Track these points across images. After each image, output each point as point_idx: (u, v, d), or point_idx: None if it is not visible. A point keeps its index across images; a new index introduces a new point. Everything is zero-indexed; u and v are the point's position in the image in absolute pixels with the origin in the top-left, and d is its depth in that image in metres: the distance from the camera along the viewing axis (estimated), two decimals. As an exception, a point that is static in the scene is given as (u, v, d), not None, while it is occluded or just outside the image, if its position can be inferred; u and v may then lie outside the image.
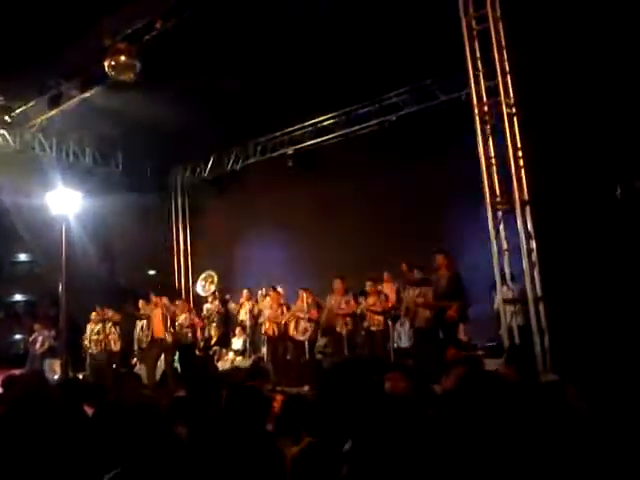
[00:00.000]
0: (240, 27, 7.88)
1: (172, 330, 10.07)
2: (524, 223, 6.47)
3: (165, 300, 10.53)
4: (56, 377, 10.10)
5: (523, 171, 6.55)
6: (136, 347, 10.67)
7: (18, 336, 12.63)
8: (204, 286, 12.85)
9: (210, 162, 13.80)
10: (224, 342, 11.66)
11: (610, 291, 5.57)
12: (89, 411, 3.19)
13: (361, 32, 8.22)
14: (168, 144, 12.41)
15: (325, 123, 11.73)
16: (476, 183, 6.84)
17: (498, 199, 6.69)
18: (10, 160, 11.24)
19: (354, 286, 9.46)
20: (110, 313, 11.19)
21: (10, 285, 12.75)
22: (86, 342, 11.03)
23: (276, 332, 9.73)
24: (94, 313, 11.12)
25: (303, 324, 9.48)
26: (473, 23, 6.91)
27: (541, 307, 6.27)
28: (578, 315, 5.71)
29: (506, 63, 6.69)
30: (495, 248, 6.65)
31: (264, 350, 10.14)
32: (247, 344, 11.19)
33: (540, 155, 6.34)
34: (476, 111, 6.84)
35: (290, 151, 12.28)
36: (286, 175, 12.25)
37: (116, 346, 11.06)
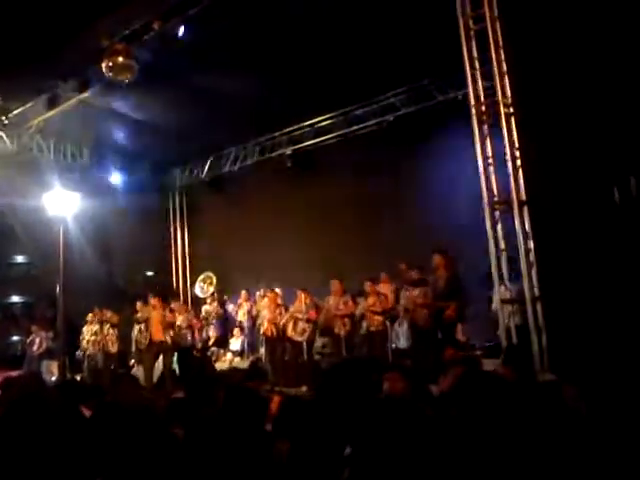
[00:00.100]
0: (239, 27, 7.87)
1: (171, 332, 10.04)
2: (522, 223, 6.46)
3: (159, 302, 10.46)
4: (53, 378, 10.09)
5: (521, 171, 6.54)
6: (134, 349, 10.65)
7: (15, 338, 12.57)
8: (202, 287, 12.88)
9: (208, 162, 13.78)
10: (222, 343, 11.67)
11: (608, 291, 5.56)
12: (87, 413, 3.18)
13: (359, 33, 8.24)
14: (166, 144, 12.41)
15: (323, 123, 11.74)
16: (474, 183, 6.84)
17: (496, 199, 6.69)
18: (8, 161, 11.19)
19: (352, 287, 9.47)
20: (109, 314, 11.16)
21: (7, 286, 12.69)
22: (84, 343, 11.01)
23: (274, 333, 9.72)
24: (90, 314, 11.09)
25: (301, 325, 9.49)
26: (470, 23, 6.90)
27: (539, 307, 6.26)
28: (576, 315, 5.70)
29: (503, 63, 6.67)
30: (493, 248, 6.65)
31: (262, 351, 10.13)
32: (245, 345, 11.20)
33: (538, 155, 6.33)
34: (474, 111, 6.82)
35: (288, 151, 12.28)
36: (285, 175, 12.26)
37: (114, 347, 11.04)
